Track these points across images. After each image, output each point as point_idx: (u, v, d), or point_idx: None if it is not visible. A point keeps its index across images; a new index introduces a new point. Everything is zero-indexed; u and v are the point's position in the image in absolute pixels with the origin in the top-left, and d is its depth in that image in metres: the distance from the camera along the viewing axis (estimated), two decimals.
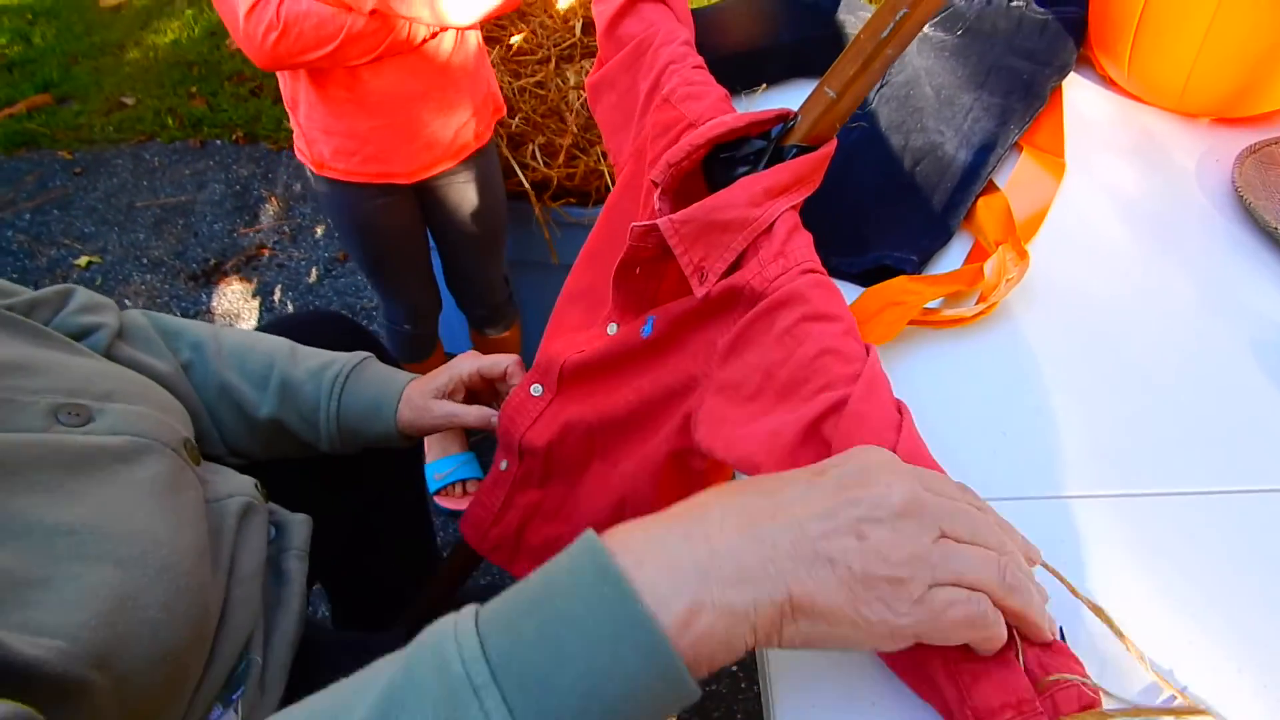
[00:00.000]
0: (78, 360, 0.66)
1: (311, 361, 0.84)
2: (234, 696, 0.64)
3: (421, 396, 0.84)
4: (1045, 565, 0.45)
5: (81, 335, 0.72)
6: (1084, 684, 0.39)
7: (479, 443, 1.76)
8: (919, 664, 0.43)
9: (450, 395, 0.85)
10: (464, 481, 1.68)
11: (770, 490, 0.40)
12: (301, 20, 1.02)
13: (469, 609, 0.37)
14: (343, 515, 0.96)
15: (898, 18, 0.58)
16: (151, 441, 0.62)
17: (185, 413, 0.72)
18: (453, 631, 0.36)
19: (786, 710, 0.45)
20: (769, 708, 0.48)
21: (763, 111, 0.64)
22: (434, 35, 1.13)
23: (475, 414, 0.83)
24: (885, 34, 0.58)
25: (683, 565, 0.36)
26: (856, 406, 0.49)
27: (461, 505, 1.65)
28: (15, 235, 2.36)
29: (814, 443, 0.52)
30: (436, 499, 1.64)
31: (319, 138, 1.22)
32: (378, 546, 1.06)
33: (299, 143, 1.27)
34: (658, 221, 0.61)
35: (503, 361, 0.86)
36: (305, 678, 0.71)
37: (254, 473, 0.78)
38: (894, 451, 0.46)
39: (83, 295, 0.75)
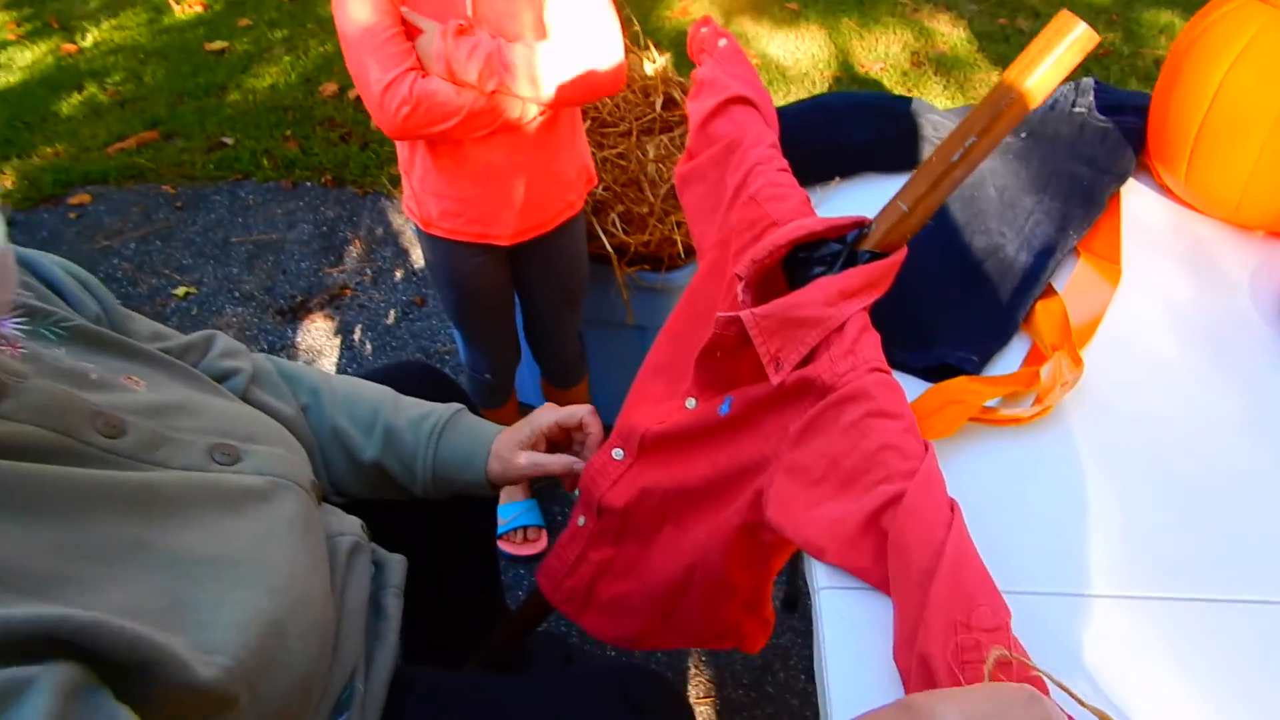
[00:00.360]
0: (224, 403, 0.75)
1: (412, 411, 0.92)
2: (340, 716, 0.71)
3: (508, 449, 0.90)
4: (1057, 682, 0.47)
5: (223, 379, 0.81)
6: None
7: (539, 491, 1.83)
8: None
9: (533, 446, 0.91)
10: (525, 528, 1.75)
11: None
12: (430, 98, 1.13)
13: None
14: (420, 553, 1.03)
15: (967, 145, 0.65)
16: (289, 482, 0.70)
17: (306, 455, 0.81)
18: None
19: None
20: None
21: (840, 218, 0.71)
22: (543, 113, 1.23)
23: (558, 462, 0.89)
24: (955, 158, 0.65)
25: None
26: (912, 501, 0.55)
27: (521, 550, 1.72)
28: (121, 263, 2.53)
29: (873, 533, 0.58)
30: (498, 542, 1.71)
31: (429, 199, 1.32)
32: (450, 585, 1.13)
33: (409, 201, 1.37)
34: (741, 314, 0.68)
35: (579, 412, 0.92)
36: (394, 706, 0.78)
37: (355, 512, 0.86)
38: (942, 548, 0.52)
39: (223, 341, 0.85)
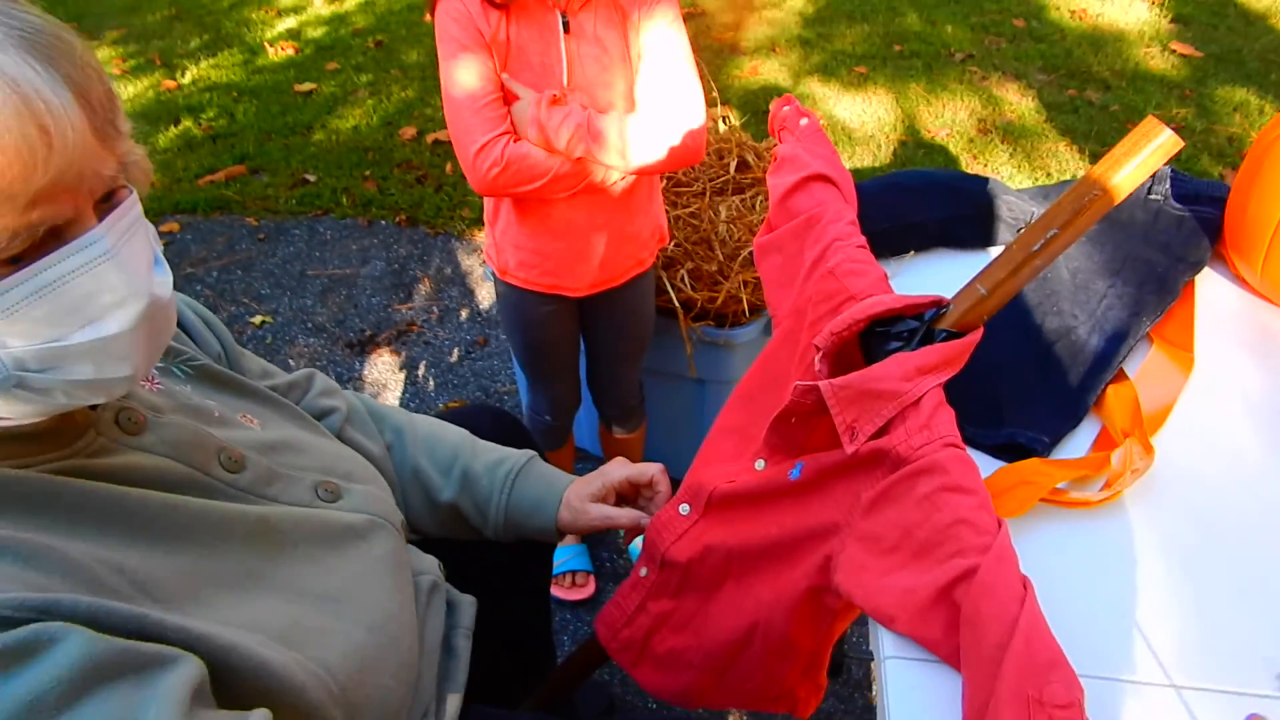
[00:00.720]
0: (325, 442, 0.80)
1: (489, 456, 0.96)
2: None
3: (579, 499, 0.94)
4: None
5: (321, 416, 0.86)
6: None
7: (588, 536, 1.85)
8: None
9: (602, 499, 0.95)
10: (574, 573, 1.77)
11: None
12: (520, 161, 1.20)
13: None
14: (480, 593, 1.07)
15: (1048, 236, 0.67)
16: (384, 521, 0.75)
17: (393, 493, 0.85)
18: None
19: None
20: None
21: (919, 296, 0.73)
22: (624, 178, 1.29)
23: (627, 517, 0.92)
24: (1036, 248, 0.68)
25: None
26: (985, 577, 0.57)
27: (570, 595, 1.74)
28: (203, 290, 2.65)
29: (944, 605, 0.59)
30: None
31: (508, 249, 1.39)
32: (506, 625, 1.16)
33: (489, 250, 1.44)
34: (819, 384, 0.71)
35: (650, 470, 0.95)
36: None
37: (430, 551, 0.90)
38: (1016, 622, 0.53)
39: (321, 380, 0.90)
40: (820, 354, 0.74)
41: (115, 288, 0.53)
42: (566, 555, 1.78)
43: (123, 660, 0.48)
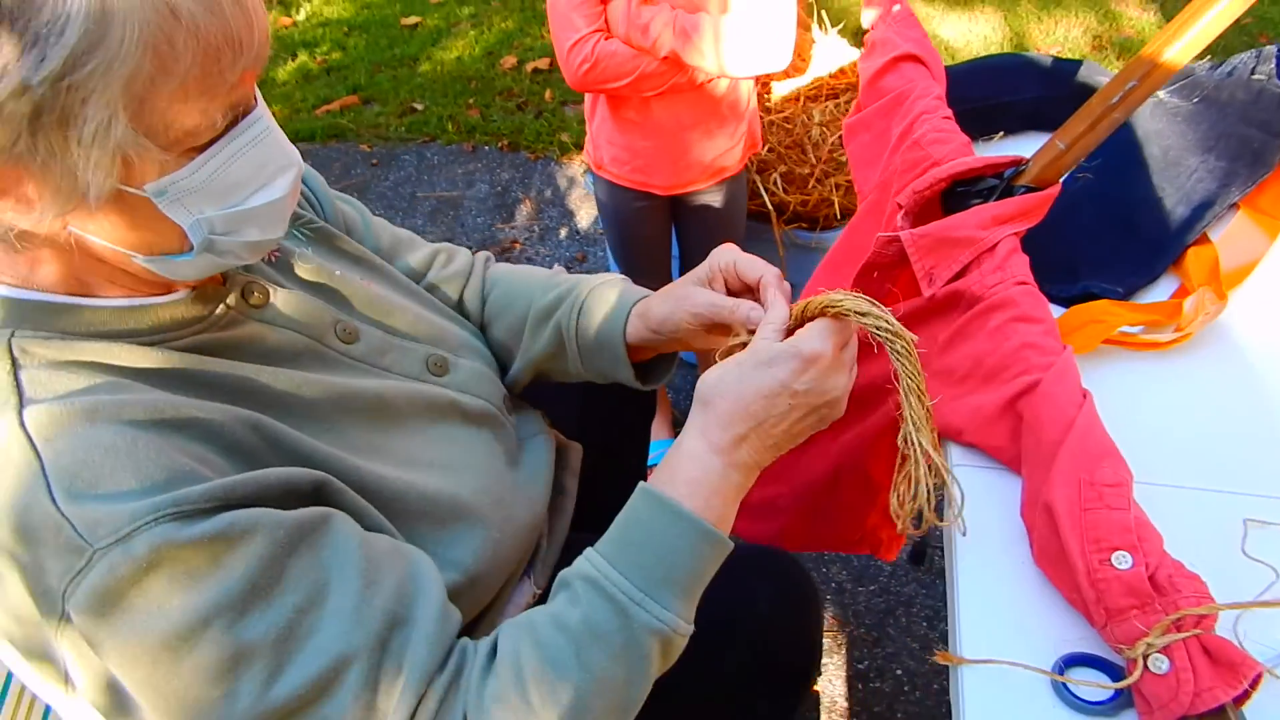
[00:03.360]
0: (432, 314, 0.86)
1: (566, 281, 0.91)
2: (529, 569, 0.86)
3: (681, 286, 0.80)
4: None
5: (431, 290, 0.94)
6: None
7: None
8: (1068, 572, 0.55)
9: (710, 285, 0.78)
10: None
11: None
12: (609, 58, 1.27)
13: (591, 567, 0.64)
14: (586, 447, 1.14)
15: (1127, 88, 0.71)
16: (486, 403, 0.82)
17: (495, 364, 0.92)
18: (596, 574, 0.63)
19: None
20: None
21: (999, 156, 0.78)
22: (711, 80, 1.34)
23: (740, 307, 0.73)
24: (1115, 100, 0.71)
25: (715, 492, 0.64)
26: (1048, 388, 0.63)
27: None
28: None
29: (1009, 415, 0.66)
30: None
31: (603, 145, 1.47)
32: (608, 473, 1.23)
33: (587, 145, 1.52)
34: (900, 234, 0.77)
35: (760, 266, 0.75)
36: (565, 561, 0.91)
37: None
38: (1073, 423, 0.59)
39: (444, 255, 0.97)
40: (903, 212, 0.80)
41: (275, 157, 0.61)
42: (656, 450, 1.88)
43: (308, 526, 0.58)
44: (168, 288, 0.65)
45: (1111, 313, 0.75)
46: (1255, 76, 1.04)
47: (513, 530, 0.79)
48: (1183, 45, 0.67)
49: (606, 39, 1.28)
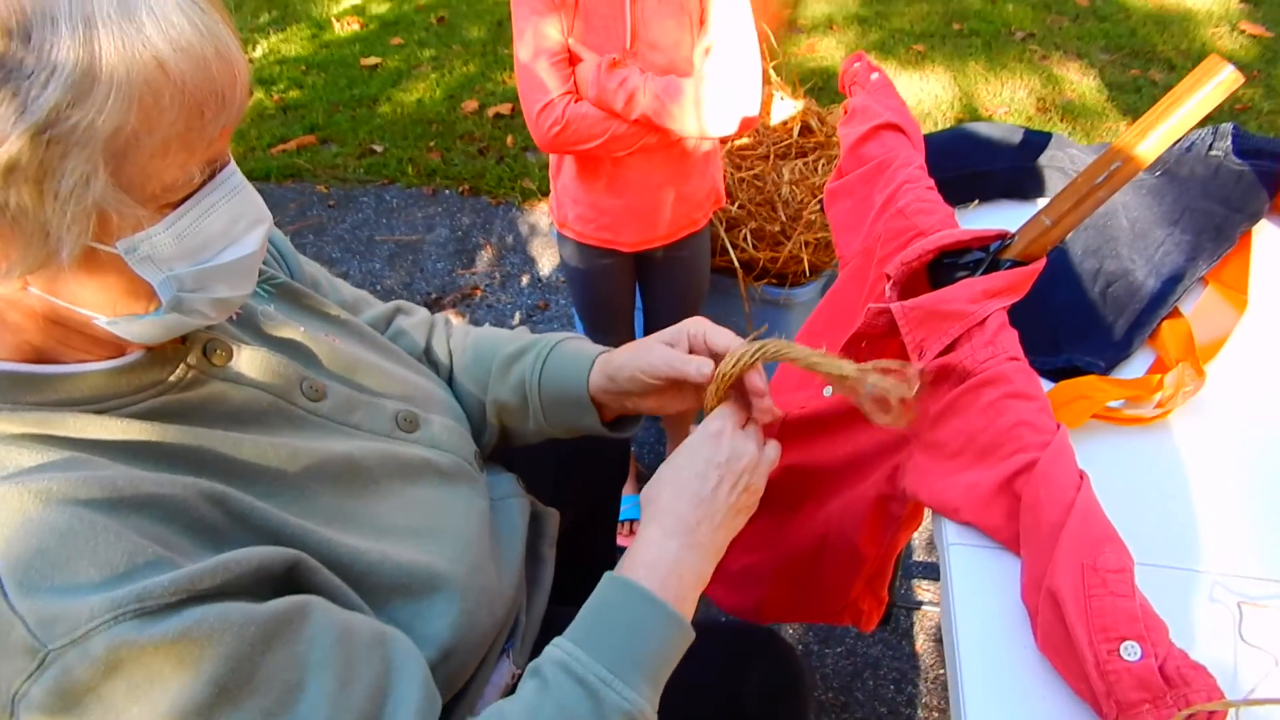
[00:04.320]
0: (399, 368, 0.84)
1: (528, 338, 0.90)
2: (508, 646, 0.82)
3: (644, 341, 0.81)
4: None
5: (396, 338, 0.92)
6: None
7: None
8: (1075, 661, 0.55)
9: (674, 346, 0.79)
10: (633, 521, 1.85)
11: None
12: (579, 120, 1.27)
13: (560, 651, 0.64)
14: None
15: (1111, 169, 0.72)
16: (458, 458, 0.80)
17: (466, 420, 0.90)
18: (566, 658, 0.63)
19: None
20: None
21: (984, 229, 0.79)
22: (679, 140, 1.35)
23: (691, 363, 0.75)
24: (1099, 180, 0.73)
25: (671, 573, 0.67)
26: (1045, 468, 0.63)
27: (628, 543, 1.81)
28: None
29: (1006, 495, 0.65)
30: None
31: (567, 203, 1.46)
32: (582, 542, 1.21)
33: (552, 201, 1.52)
34: (891, 305, 0.77)
35: (729, 339, 0.77)
36: (544, 638, 0.88)
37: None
38: (1073, 504, 0.59)
39: (404, 314, 0.96)
40: (891, 282, 0.80)
41: (247, 212, 0.60)
42: (625, 505, 1.86)
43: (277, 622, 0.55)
44: (123, 349, 0.62)
45: (1098, 388, 0.76)
46: (1213, 153, 1.08)
47: (488, 600, 0.76)
48: (1165, 130, 0.69)
49: (576, 101, 1.29)
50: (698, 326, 0.79)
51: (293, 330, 0.75)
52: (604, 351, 0.85)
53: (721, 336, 0.77)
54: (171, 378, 0.63)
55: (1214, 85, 0.66)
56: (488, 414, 0.91)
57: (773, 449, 0.77)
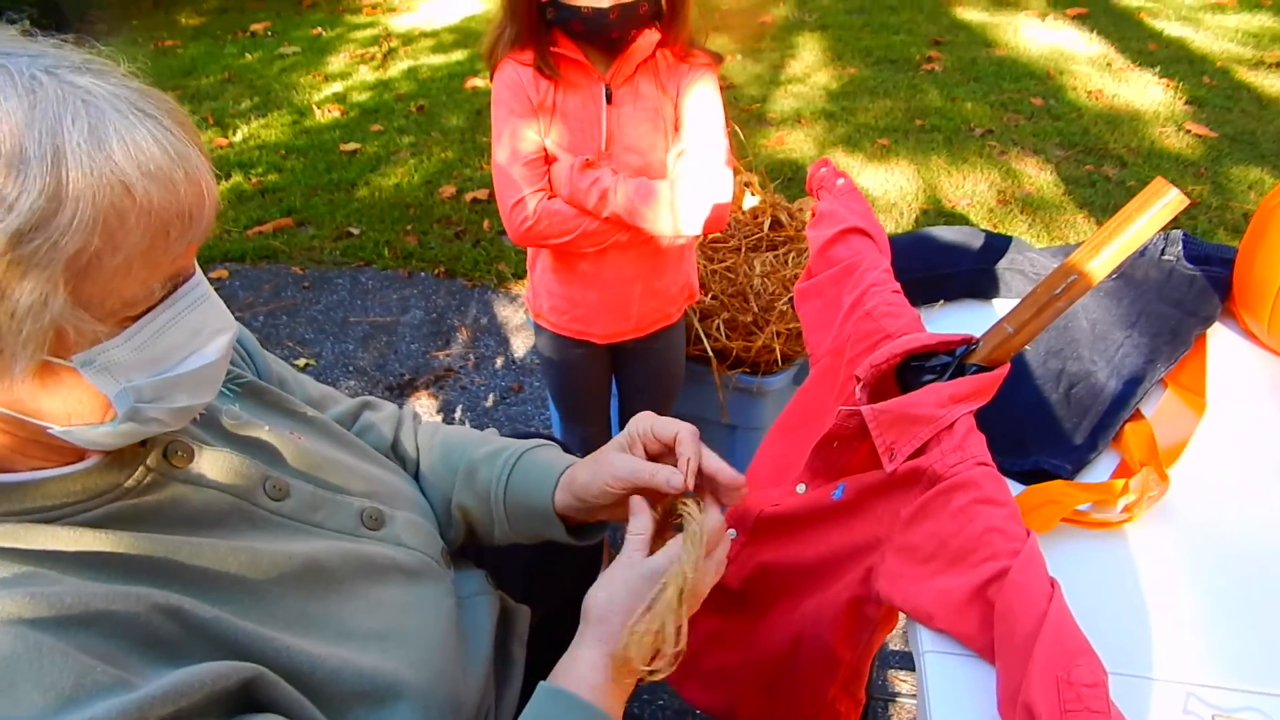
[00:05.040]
0: (366, 465, 0.84)
1: (494, 444, 0.91)
2: None
3: (604, 453, 0.82)
4: None
5: (364, 432, 0.92)
6: None
7: None
8: None
9: (630, 450, 0.81)
10: None
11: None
12: (551, 216, 1.31)
13: None
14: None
15: (1069, 281, 0.75)
16: (425, 556, 0.80)
17: (434, 516, 0.90)
18: None
19: None
20: None
21: (951, 335, 0.81)
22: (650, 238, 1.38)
23: (659, 473, 0.76)
24: (1058, 291, 0.76)
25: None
26: (1017, 576, 0.63)
27: None
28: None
29: (979, 603, 0.66)
30: None
31: (542, 295, 1.49)
32: (555, 639, 1.20)
33: (528, 293, 1.54)
34: (861, 408, 0.78)
35: (674, 426, 0.79)
36: None
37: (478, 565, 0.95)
38: (1045, 615, 0.60)
39: (371, 410, 0.96)
40: (861, 384, 0.82)
41: (211, 322, 0.61)
42: None
43: None
44: (80, 454, 0.61)
45: (1065, 493, 0.77)
46: (1165, 257, 1.13)
47: (453, 707, 0.74)
48: (1117, 247, 0.72)
49: (549, 198, 1.32)
50: (644, 424, 0.80)
51: (257, 429, 0.75)
52: (571, 464, 0.86)
53: (667, 427, 0.79)
54: (129, 482, 0.62)
55: (1161, 206, 0.70)
56: (454, 515, 0.91)
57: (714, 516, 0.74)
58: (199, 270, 0.60)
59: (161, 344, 0.57)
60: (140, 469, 0.63)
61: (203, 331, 0.60)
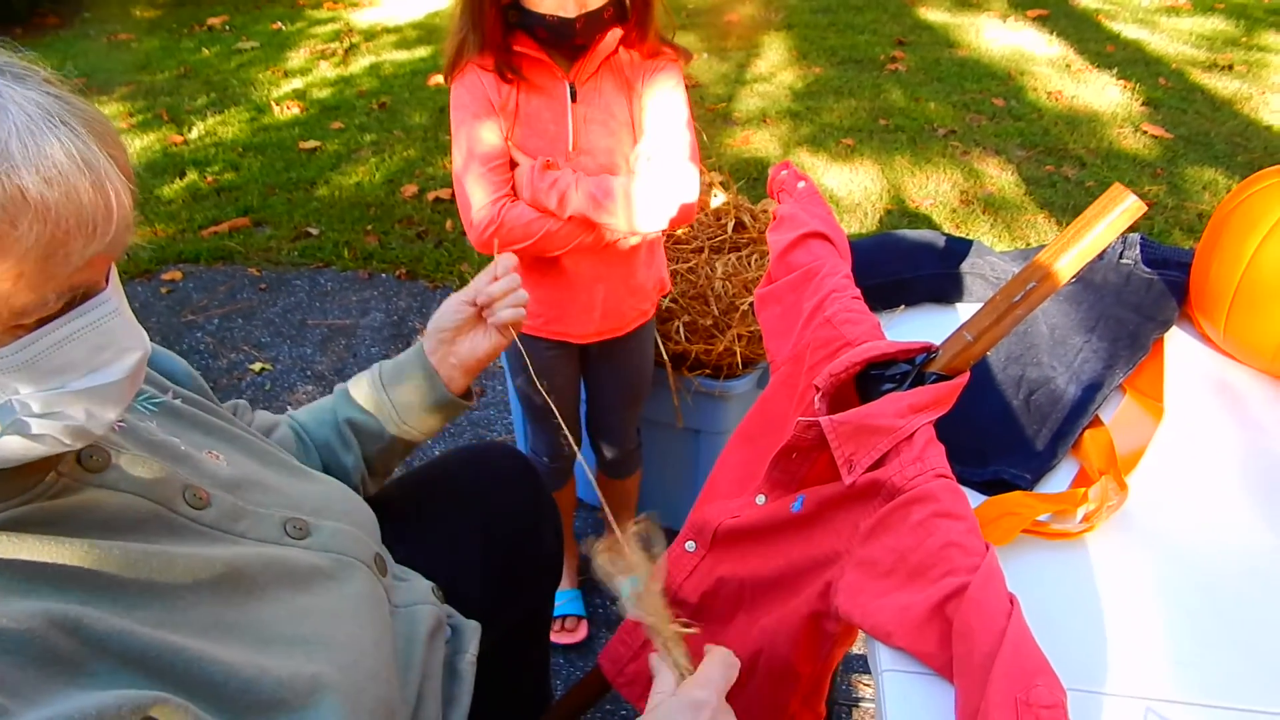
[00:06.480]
0: (292, 479, 0.83)
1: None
2: None
3: (441, 314, 1.03)
4: None
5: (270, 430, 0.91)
6: None
7: (584, 582, 1.88)
8: None
9: (456, 335, 1.03)
10: (565, 617, 1.79)
11: None
12: (514, 220, 1.28)
13: None
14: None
15: (1028, 288, 0.74)
16: (354, 560, 0.78)
17: (374, 521, 0.88)
18: None
19: None
20: None
21: (910, 343, 0.80)
22: (625, 237, 1.36)
23: (472, 288, 1.03)
24: (1017, 299, 0.75)
25: None
26: (975, 593, 0.62)
27: (560, 639, 1.76)
28: (204, 337, 2.70)
29: (938, 620, 0.64)
30: None
31: None
32: (506, 660, 1.18)
33: None
34: (820, 419, 0.77)
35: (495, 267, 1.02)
36: None
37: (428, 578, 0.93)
38: (1004, 634, 0.58)
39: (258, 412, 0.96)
40: (820, 394, 0.80)
41: (118, 341, 0.59)
42: (561, 600, 1.80)
43: None
44: None
45: (1025, 504, 0.76)
46: (1123, 261, 1.13)
47: (385, 712, 0.72)
48: (1076, 254, 0.71)
49: (513, 203, 1.30)
50: (450, 305, 1.02)
51: (174, 447, 0.74)
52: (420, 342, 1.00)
53: (483, 274, 1.01)
54: (39, 486, 0.60)
55: (1119, 212, 0.69)
56: (343, 431, 0.99)
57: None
58: (115, 284, 0.58)
59: (56, 359, 0.55)
60: (51, 473, 0.61)
61: (107, 350, 0.58)
